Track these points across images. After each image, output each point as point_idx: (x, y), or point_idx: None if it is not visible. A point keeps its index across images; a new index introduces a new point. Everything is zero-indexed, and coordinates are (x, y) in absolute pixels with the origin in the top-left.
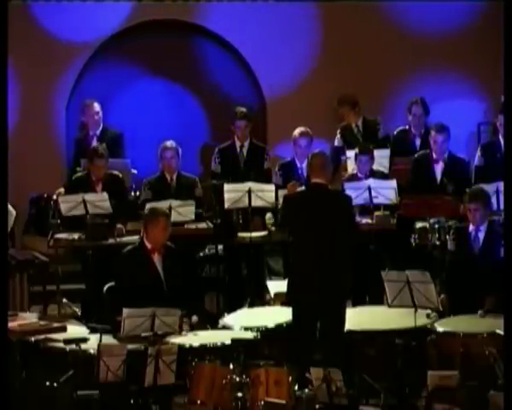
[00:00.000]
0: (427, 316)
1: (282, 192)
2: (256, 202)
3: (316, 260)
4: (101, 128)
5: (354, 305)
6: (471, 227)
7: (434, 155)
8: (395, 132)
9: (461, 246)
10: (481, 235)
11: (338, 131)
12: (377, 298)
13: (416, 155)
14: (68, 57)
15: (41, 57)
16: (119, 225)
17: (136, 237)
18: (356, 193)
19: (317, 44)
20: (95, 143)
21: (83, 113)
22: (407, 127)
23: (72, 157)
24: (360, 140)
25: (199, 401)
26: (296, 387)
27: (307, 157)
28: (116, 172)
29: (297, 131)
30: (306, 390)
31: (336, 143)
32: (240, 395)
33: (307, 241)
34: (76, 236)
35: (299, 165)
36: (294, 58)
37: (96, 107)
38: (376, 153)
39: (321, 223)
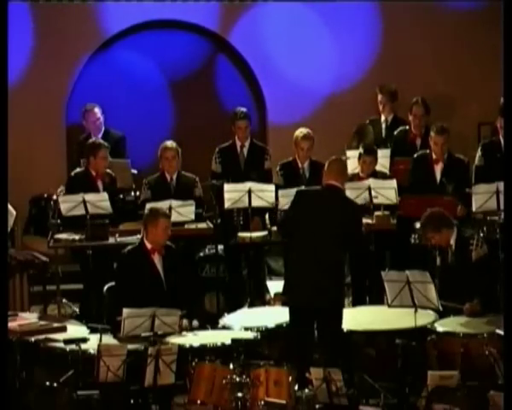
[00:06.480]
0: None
1: (282, 192)
2: (256, 202)
3: (312, 258)
4: (103, 132)
5: (354, 305)
6: None
7: (434, 156)
8: (395, 132)
9: (443, 258)
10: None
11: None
12: (377, 298)
13: (415, 155)
14: (68, 56)
15: (41, 56)
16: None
17: (136, 237)
18: (356, 193)
19: None
20: None
21: (83, 118)
22: (407, 127)
23: (73, 159)
24: None
25: (199, 401)
26: (296, 387)
27: (309, 159)
28: (109, 171)
29: (299, 134)
30: (306, 390)
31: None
32: (240, 395)
33: (306, 237)
34: (76, 236)
35: (300, 165)
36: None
37: (97, 112)
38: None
39: (324, 223)
